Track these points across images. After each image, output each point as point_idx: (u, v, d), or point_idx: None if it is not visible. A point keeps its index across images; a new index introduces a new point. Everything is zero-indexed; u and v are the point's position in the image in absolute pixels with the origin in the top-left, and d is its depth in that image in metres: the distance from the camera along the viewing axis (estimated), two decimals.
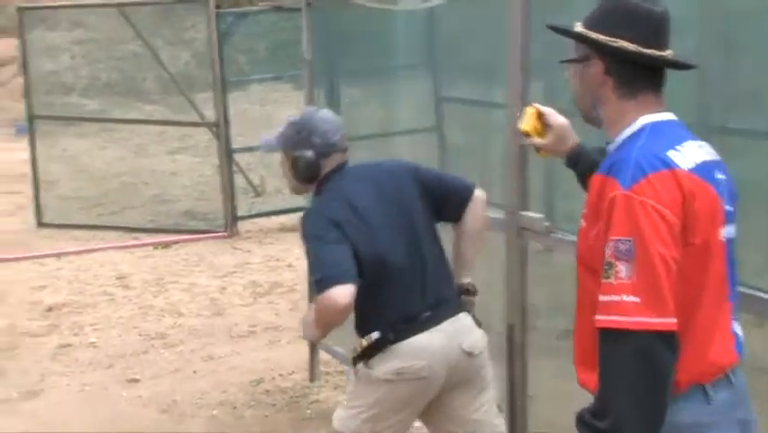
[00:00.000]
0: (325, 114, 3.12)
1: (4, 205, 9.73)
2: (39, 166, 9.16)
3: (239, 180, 9.07)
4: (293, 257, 7.37)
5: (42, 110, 9.76)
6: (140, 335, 5.92)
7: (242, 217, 8.67)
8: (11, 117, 15.22)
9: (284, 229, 8.46)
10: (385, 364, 2.89)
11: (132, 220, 9.05)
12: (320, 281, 2.78)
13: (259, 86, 12.56)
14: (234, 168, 8.76)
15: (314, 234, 2.88)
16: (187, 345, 5.72)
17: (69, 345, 5.77)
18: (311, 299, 5.19)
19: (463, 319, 3.00)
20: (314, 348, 5.04)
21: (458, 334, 2.95)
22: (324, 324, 2.83)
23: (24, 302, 6.65)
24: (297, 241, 5.30)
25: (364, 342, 2.92)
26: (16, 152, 10.69)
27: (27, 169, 9.30)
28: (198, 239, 8.35)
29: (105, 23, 12.01)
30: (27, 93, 9.35)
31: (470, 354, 2.96)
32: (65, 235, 8.58)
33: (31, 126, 9.26)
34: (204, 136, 9.91)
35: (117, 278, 7.18)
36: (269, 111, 11.68)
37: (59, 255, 7.89)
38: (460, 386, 2.99)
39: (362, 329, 2.96)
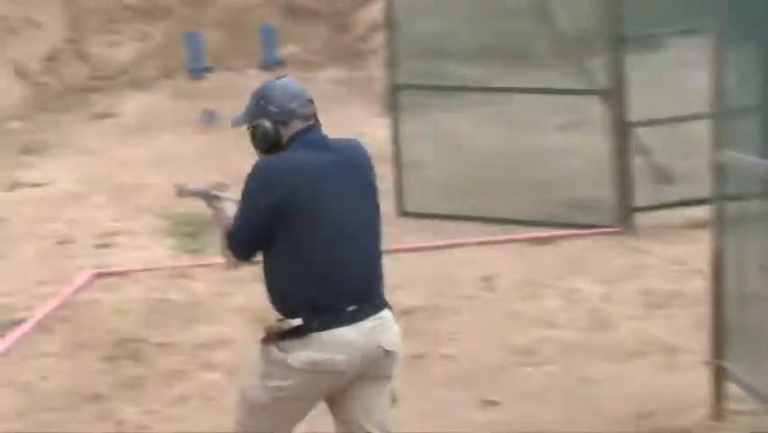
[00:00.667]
0: (285, 81, 3.78)
1: None
2: (402, 145, 9.63)
3: (638, 162, 8.94)
4: (703, 261, 7.13)
5: (410, 79, 10.17)
6: (502, 347, 6.09)
7: (640, 209, 8.57)
8: (384, 88, 16.15)
9: (694, 225, 8.19)
10: (302, 353, 3.56)
11: (504, 210, 9.23)
12: (230, 241, 3.72)
13: (671, 43, 12.25)
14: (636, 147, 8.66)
15: (249, 190, 3.65)
16: (558, 364, 5.78)
17: (422, 356, 6.05)
18: (716, 314, 5.01)
19: (386, 316, 3.70)
20: (720, 378, 4.86)
21: (378, 331, 3.65)
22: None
23: None
24: (709, 241, 5.19)
25: (284, 326, 3.58)
26: (385, 129, 11.32)
27: (390, 148, 9.78)
28: (583, 235, 8.40)
29: None
30: (392, 59, 9.88)
31: (387, 352, 3.68)
32: (428, 227, 8.95)
33: (395, 98, 9.76)
34: (598, 107, 9.88)
35: (483, 279, 7.39)
36: (683, 74, 11.36)
37: (419, 250, 8.27)
38: (372, 379, 3.69)
39: (283, 308, 3.62)
